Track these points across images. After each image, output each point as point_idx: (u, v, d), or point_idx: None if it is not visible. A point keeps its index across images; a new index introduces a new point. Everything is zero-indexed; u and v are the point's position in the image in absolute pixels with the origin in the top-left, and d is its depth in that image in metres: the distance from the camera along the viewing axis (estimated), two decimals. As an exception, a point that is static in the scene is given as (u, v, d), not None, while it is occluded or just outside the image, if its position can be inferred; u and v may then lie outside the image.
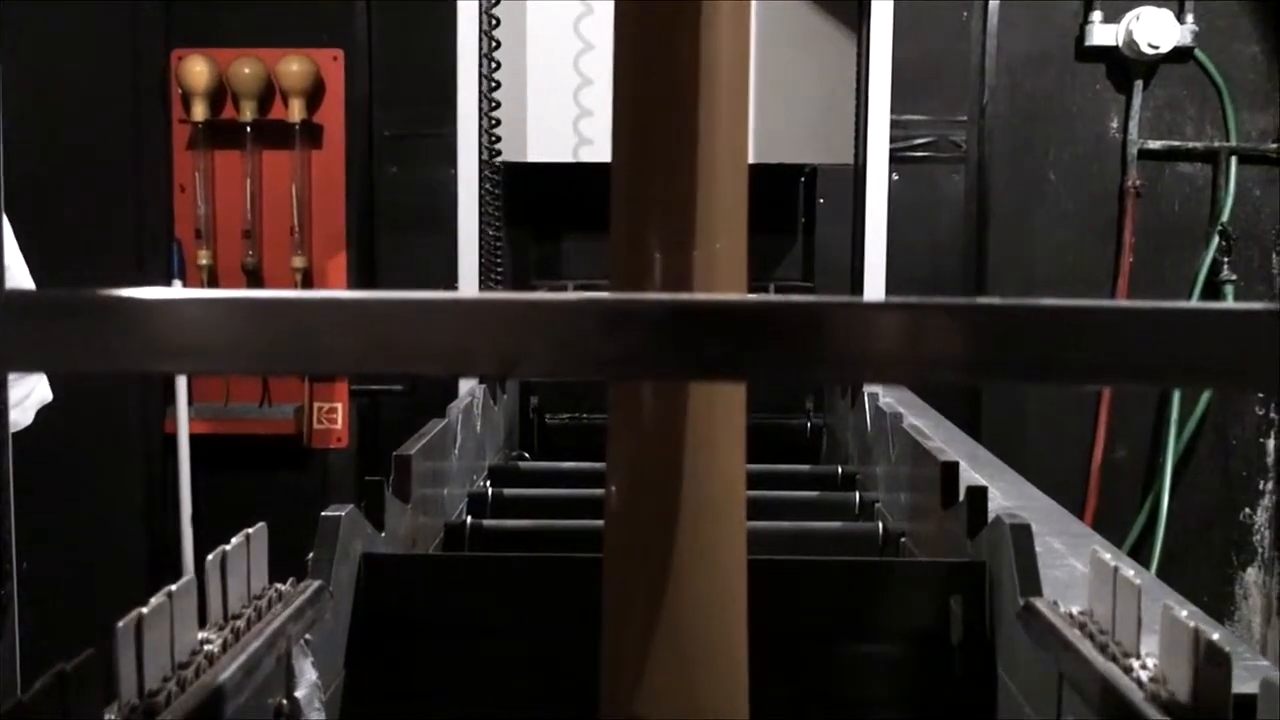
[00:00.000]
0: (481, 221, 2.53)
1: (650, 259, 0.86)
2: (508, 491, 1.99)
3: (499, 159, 2.63)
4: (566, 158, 2.75)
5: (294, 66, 3.27)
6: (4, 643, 1.08)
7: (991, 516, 1.21)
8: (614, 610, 0.90)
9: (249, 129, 3.30)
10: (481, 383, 2.27)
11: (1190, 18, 3.32)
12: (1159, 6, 3.31)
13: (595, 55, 2.70)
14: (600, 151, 2.71)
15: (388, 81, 3.36)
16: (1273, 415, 3.48)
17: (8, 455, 1.08)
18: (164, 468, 3.37)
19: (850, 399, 2.32)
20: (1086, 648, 0.86)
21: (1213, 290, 3.40)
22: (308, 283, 3.34)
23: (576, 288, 2.88)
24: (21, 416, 2.19)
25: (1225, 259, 3.38)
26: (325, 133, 3.36)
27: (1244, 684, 0.71)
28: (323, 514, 1.13)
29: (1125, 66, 3.36)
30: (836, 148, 2.69)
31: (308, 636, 0.99)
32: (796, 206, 3.24)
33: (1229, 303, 3.22)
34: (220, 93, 3.30)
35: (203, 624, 0.83)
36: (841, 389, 2.44)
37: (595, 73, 2.71)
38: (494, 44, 2.54)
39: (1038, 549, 1.10)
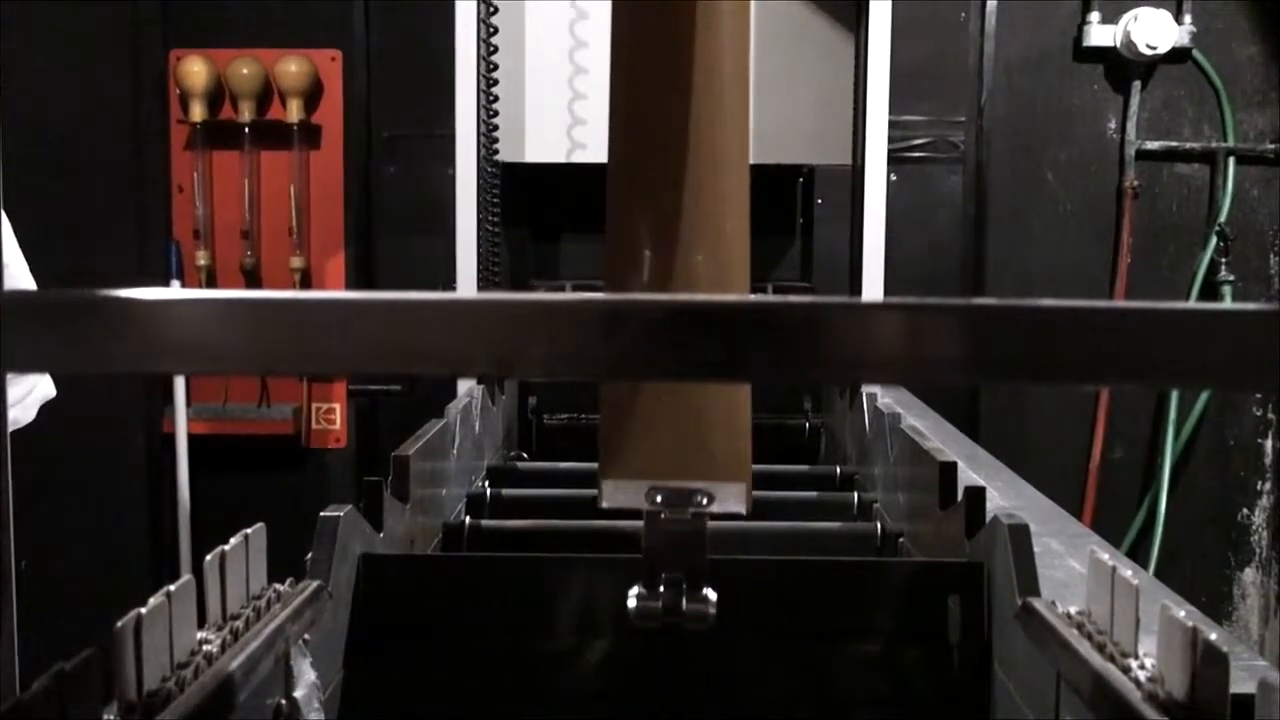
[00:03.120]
0: (480, 222, 2.53)
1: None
2: (506, 492, 1.99)
3: (497, 159, 2.62)
4: (565, 158, 2.76)
5: (292, 67, 3.27)
6: (3, 642, 1.08)
7: (989, 517, 1.21)
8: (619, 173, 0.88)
9: (247, 129, 3.30)
10: (480, 383, 2.27)
11: (1188, 18, 3.33)
12: (1157, 7, 3.31)
13: (595, 54, 2.70)
14: (599, 152, 2.70)
15: (386, 82, 3.36)
16: (1270, 416, 3.48)
17: (7, 455, 1.08)
18: (162, 468, 3.37)
19: (849, 399, 2.31)
20: (1084, 648, 0.86)
21: (1211, 291, 3.40)
22: (306, 283, 3.34)
23: (575, 288, 2.88)
24: (24, 414, 2.17)
25: (1223, 259, 3.38)
26: (323, 133, 3.36)
27: (1242, 684, 0.71)
28: (321, 514, 1.13)
29: (1123, 67, 3.36)
30: (835, 148, 2.69)
31: (306, 636, 0.99)
32: (795, 207, 3.25)
33: (1227, 303, 3.22)
34: (218, 93, 3.30)
35: (202, 624, 0.83)
36: (840, 389, 2.44)
37: (595, 72, 2.71)
38: (493, 41, 2.54)
39: (1036, 549, 1.10)
